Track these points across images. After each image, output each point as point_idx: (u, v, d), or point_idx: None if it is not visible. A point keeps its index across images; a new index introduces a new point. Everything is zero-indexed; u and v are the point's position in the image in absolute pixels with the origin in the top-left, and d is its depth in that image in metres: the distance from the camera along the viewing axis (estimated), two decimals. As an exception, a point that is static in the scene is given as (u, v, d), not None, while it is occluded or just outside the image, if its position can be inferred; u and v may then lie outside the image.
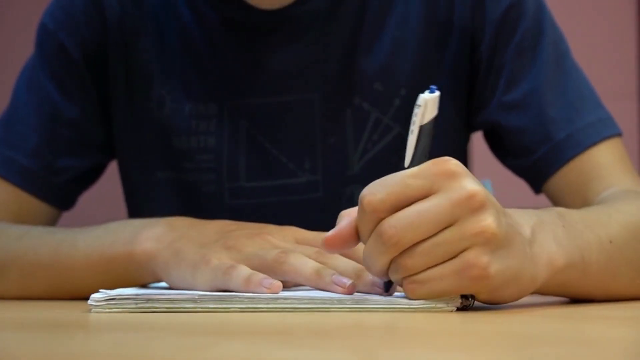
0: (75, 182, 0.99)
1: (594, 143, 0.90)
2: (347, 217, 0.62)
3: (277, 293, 0.66)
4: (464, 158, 1.00)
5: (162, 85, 0.96)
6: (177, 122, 0.96)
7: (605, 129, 0.91)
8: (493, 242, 0.58)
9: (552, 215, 0.67)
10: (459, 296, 0.61)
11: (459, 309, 0.61)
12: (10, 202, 0.96)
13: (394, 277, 0.60)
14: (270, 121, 0.94)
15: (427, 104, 0.61)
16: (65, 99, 0.98)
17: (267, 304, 0.63)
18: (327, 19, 0.94)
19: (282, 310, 0.62)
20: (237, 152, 0.95)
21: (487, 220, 0.57)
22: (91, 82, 0.98)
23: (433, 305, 0.60)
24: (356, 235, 0.61)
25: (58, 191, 0.98)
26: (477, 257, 0.57)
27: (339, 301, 0.62)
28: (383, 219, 0.58)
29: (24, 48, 1.09)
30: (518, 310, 0.66)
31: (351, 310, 0.61)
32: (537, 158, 0.91)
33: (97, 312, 0.63)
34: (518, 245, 0.60)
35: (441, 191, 0.58)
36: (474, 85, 0.95)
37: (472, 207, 0.57)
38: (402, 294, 0.62)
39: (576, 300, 0.72)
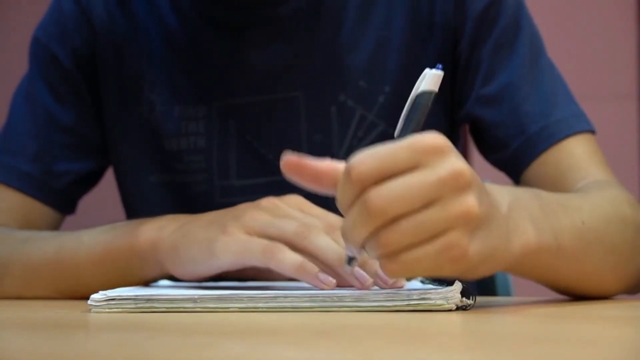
0: (75, 186, 1.01)
1: (567, 135, 0.91)
2: (331, 166, 0.61)
3: (330, 289, 0.66)
4: None
5: (151, 90, 0.97)
6: (167, 125, 0.97)
7: (579, 124, 0.92)
8: (474, 223, 0.58)
9: (529, 194, 0.68)
10: (460, 295, 0.61)
11: (458, 308, 0.61)
12: (16, 207, 0.98)
13: (372, 253, 0.59)
14: (258, 120, 0.95)
15: (425, 77, 0.61)
16: (60, 106, 1.00)
17: (267, 302, 0.62)
18: (309, 17, 0.94)
19: (282, 310, 0.62)
20: (227, 151, 0.95)
21: (472, 202, 0.57)
22: (85, 88, 1.00)
23: (432, 302, 0.60)
24: (331, 179, 0.60)
25: (60, 195, 1.00)
26: (459, 238, 0.57)
27: (339, 299, 0.62)
28: (366, 189, 0.58)
29: (23, 49, 1.10)
30: (518, 311, 0.66)
31: (351, 310, 0.61)
32: (512, 151, 0.92)
33: (96, 312, 0.63)
34: (496, 224, 0.60)
35: (429, 166, 0.57)
36: (456, 81, 0.96)
37: (458, 186, 0.57)
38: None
39: (576, 299, 0.72)
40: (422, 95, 0.61)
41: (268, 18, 0.94)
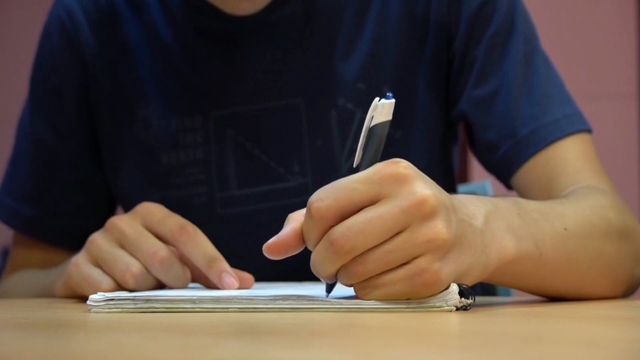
0: (80, 222, 1.03)
1: (558, 138, 0.89)
2: (293, 222, 0.62)
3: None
4: (448, 153, 1.00)
5: (146, 106, 0.97)
6: (165, 139, 0.96)
7: (571, 125, 0.90)
8: (444, 248, 0.58)
9: (508, 203, 0.67)
10: (458, 296, 0.61)
11: (458, 309, 0.61)
12: (32, 252, 1.03)
13: (343, 282, 0.61)
14: (257, 128, 0.95)
15: (377, 108, 0.62)
16: (61, 142, 1.01)
17: (266, 304, 0.62)
18: (303, 23, 0.94)
19: (281, 310, 0.62)
20: (225, 161, 0.95)
21: (438, 227, 0.57)
22: (82, 120, 1.01)
23: (432, 304, 0.60)
24: (300, 241, 0.61)
25: (65, 233, 1.02)
26: (429, 264, 0.58)
27: (338, 301, 0.62)
28: (331, 225, 0.58)
29: (23, 48, 1.10)
30: (518, 311, 0.66)
31: (350, 310, 0.61)
32: (502, 154, 0.92)
33: (96, 312, 0.63)
34: (469, 240, 0.60)
35: (391, 197, 0.58)
36: (450, 80, 0.96)
37: (422, 213, 0.57)
38: (346, 293, 0.63)
39: (576, 300, 0.72)
40: (377, 126, 0.61)
41: (261, 26, 0.94)
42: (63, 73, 1.00)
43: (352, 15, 0.95)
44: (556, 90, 0.93)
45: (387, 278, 0.59)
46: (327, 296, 0.64)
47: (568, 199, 0.81)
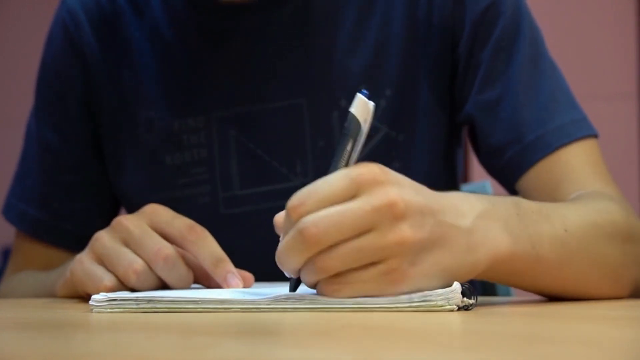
0: (85, 225, 1.03)
1: (564, 144, 0.89)
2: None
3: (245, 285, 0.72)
4: (452, 155, 1.00)
5: (149, 108, 0.98)
6: (169, 140, 0.97)
7: (577, 131, 0.90)
8: (413, 249, 0.59)
9: (507, 203, 0.68)
10: (461, 296, 0.61)
11: (460, 308, 0.61)
12: (35, 255, 1.04)
13: (307, 279, 0.61)
14: (259, 128, 0.95)
15: (354, 100, 0.62)
16: (66, 146, 1.02)
17: (268, 304, 0.63)
18: (303, 22, 0.94)
19: (282, 310, 0.62)
20: (228, 160, 0.95)
21: (406, 231, 0.59)
22: (86, 124, 1.01)
23: (434, 303, 0.60)
24: None
25: (70, 236, 1.03)
26: (398, 264, 0.59)
27: (341, 301, 0.62)
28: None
29: (22, 47, 1.11)
30: (518, 310, 0.66)
31: (351, 310, 0.61)
32: (507, 159, 0.91)
33: (98, 312, 0.63)
34: (449, 241, 0.61)
35: (364, 195, 0.59)
36: (455, 83, 0.95)
37: (392, 215, 0.59)
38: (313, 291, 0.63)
39: (576, 300, 0.72)
40: (350, 120, 0.62)
41: (262, 25, 0.94)
42: (65, 77, 1.01)
43: (353, 16, 0.95)
44: (562, 94, 0.92)
45: (356, 275, 0.60)
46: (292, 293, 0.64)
47: (573, 201, 0.81)
